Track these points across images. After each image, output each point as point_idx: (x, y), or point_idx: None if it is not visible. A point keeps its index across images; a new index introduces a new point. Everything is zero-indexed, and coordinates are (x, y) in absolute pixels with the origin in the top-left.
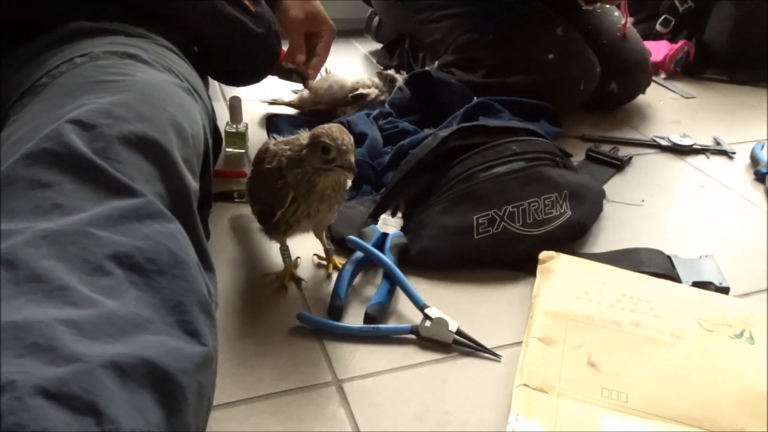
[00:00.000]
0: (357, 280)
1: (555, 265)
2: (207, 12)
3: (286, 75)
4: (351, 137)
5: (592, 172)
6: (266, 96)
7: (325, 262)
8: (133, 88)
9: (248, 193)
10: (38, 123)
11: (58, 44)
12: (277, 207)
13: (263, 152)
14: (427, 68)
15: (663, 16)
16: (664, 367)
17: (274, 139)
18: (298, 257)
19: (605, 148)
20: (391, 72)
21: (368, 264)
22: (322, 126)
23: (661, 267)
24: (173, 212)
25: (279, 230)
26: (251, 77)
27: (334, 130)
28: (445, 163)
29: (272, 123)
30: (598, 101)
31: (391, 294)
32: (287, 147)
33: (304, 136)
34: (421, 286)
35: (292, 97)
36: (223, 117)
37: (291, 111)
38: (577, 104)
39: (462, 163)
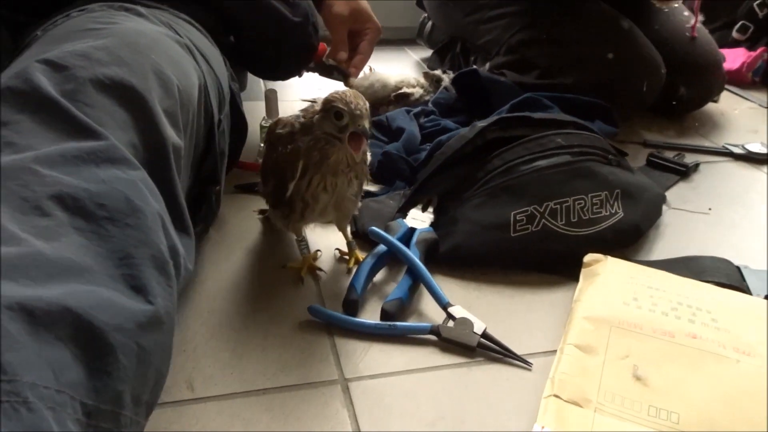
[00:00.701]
0: (379, 276)
1: (601, 269)
2: None
3: (327, 72)
4: (366, 102)
5: (653, 178)
6: (307, 95)
7: (346, 257)
8: (118, 34)
9: (261, 174)
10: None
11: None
12: (289, 178)
13: (275, 123)
14: (474, 67)
15: (740, 22)
16: (725, 386)
17: None
18: (318, 250)
19: (669, 155)
20: (438, 72)
21: (393, 260)
22: (336, 90)
23: (728, 277)
24: (146, 164)
25: (295, 211)
26: (287, 69)
27: (348, 95)
28: (484, 157)
29: None
30: (664, 107)
31: (412, 291)
32: (301, 113)
33: (319, 103)
34: (449, 286)
35: None
36: (261, 114)
37: None
38: (641, 107)
39: (502, 155)
